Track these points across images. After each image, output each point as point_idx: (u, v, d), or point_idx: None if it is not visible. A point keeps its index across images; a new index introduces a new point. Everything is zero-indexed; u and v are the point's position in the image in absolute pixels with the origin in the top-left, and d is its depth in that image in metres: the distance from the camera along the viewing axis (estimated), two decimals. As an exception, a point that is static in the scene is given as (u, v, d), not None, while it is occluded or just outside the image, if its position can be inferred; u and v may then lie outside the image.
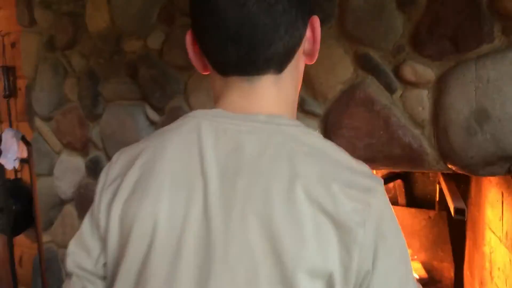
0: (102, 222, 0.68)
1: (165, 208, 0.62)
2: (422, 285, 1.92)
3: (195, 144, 0.64)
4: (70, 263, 0.72)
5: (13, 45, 2.13)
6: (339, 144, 0.95)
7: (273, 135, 0.62)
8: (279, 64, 0.65)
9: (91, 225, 0.71)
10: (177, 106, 1.61)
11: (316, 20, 0.68)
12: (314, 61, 0.70)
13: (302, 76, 0.72)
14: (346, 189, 0.59)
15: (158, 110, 1.67)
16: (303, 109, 1.35)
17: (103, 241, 0.68)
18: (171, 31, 1.60)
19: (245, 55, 0.63)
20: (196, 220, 0.60)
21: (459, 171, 1.16)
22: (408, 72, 1.19)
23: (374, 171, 1.57)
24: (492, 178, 1.38)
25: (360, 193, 0.59)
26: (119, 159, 0.71)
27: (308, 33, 0.68)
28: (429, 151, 1.19)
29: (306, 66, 0.72)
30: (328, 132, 1.32)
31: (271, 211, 0.57)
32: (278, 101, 0.67)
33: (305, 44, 0.68)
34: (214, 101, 0.70)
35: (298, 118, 0.71)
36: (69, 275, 0.73)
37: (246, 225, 0.58)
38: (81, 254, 0.71)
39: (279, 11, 0.62)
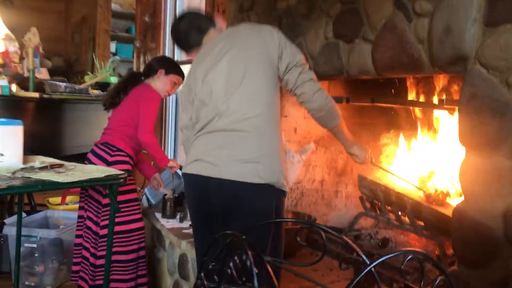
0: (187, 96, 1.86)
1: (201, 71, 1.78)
2: None
3: (205, 49, 1.84)
4: (180, 126, 1.93)
5: (223, 11, 3.25)
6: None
7: (224, 33, 1.88)
8: (212, 25, 1.97)
9: (183, 108, 1.85)
10: (299, 43, 2.43)
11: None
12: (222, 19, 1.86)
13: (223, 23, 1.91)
14: (266, 29, 1.74)
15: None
16: (363, 37, 2.04)
17: (190, 104, 1.82)
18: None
19: (199, 30, 2.06)
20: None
21: (439, 72, 1.72)
22: (418, 7, 1.78)
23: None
24: None
25: (270, 31, 1.72)
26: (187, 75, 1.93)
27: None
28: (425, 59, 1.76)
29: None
30: (374, 49, 1.98)
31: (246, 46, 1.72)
32: (218, 33, 1.94)
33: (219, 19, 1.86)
34: None
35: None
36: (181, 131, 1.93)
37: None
38: (183, 119, 1.86)
39: (198, 14, 2.02)
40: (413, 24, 1.82)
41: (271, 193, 1.67)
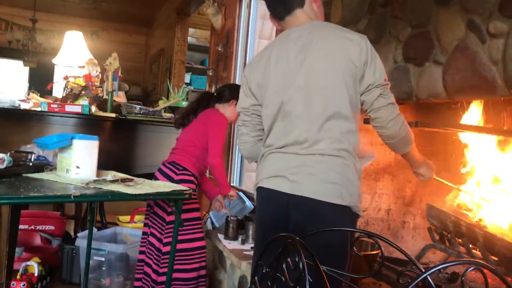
0: (252, 85, 1.80)
1: (276, 78, 1.72)
2: None
3: (286, 38, 1.70)
4: (238, 108, 1.88)
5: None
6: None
7: (313, 25, 1.66)
8: (299, 4, 1.68)
9: (245, 92, 1.82)
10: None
11: None
12: (320, 4, 1.73)
13: (320, 10, 1.76)
14: (354, 41, 1.62)
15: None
16: (433, 60, 1.99)
17: (252, 94, 1.78)
18: (372, 18, 2.43)
19: (284, 6, 1.73)
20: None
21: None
22: (492, 27, 1.72)
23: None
24: None
25: (359, 44, 1.58)
26: (259, 60, 1.84)
27: None
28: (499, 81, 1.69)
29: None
30: (445, 72, 1.92)
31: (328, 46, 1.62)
32: (307, 19, 1.69)
33: None
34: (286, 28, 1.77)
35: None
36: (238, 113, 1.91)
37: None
38: (243, 102, 1.83)
39: None
40: (486, 45, 1.76)
41: (348, 215, 1.66)
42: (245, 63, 4.53)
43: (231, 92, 2.87)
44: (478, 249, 2.12)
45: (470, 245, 2.16)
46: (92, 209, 2.85)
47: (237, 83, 4.59)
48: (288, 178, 1.66)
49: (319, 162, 1.64)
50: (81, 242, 3.04)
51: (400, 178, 2.72)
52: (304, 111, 1.67)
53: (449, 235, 2.28)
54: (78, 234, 3.29)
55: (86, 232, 3.09)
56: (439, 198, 2.52)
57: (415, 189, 2.70)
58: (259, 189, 1.79)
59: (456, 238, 2.24)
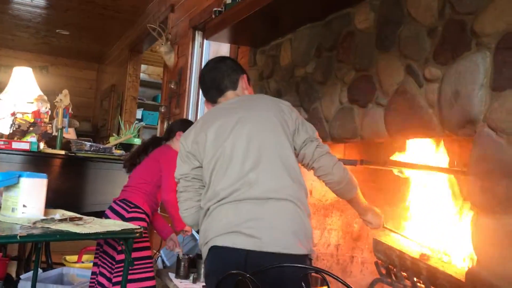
0: (189, 146, 1.81)
1: (213, 132, 1.77)
2: None
3: (220, 105, 1.82)
4: (177, 175, 1.86)
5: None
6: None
7: (241, 99, 1.80)
8: (232, 87, 1.88)
9: (182, 158, 1.84)
10: (315, 108, 2.53)
11: (244, 77, 1.92)
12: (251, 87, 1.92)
13: (250, 89, 1.92)
14: (284, 104, 1.73)
15: (306, 110, 2.61)
16: (376, 102, 2.11)
17: (191, 157, 1.80)
18: (319, 61, 2.55)
19: (217, 89, 1.89)
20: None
21: (449, 135, 1.76)
22: (427, 73, 1.86)
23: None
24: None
25: (289, 107, 1.71)
26: (193, 127, 1.90)
27: (243, 77, 1.91)
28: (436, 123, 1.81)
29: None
30: (386, 113, 2.04)
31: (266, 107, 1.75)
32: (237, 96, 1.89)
33: (243, 81, 1.91)
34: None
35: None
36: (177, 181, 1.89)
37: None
38: (182, 168, 1.84)
39: (226, 71, 1.84)
40: (423, 89, 1.89)
41: (307, 263, 1.63)
42: (197, 101, 4.60)
43: (176, 125, 2.92)
44: (422, 282, 2.20)
45: (415, 278, 2.24)
46: (38, 249, 2.76)
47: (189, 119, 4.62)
48: (244, 232, 1.60)
49: (272, 209, 1.63)
50: (24, 284, 2.92)
51: (348, 214, 2.80)
52: (245, 154, 1.71)
53: (395, 269, 2.36)
54: (21, 276, 3.16)
55: (30, 273, 2.98)
56: (385, 233, 2.61)
57: (362, 224, 2.78)
58: (212, 249, 1.67)
59: (402, 272, 2.32)
